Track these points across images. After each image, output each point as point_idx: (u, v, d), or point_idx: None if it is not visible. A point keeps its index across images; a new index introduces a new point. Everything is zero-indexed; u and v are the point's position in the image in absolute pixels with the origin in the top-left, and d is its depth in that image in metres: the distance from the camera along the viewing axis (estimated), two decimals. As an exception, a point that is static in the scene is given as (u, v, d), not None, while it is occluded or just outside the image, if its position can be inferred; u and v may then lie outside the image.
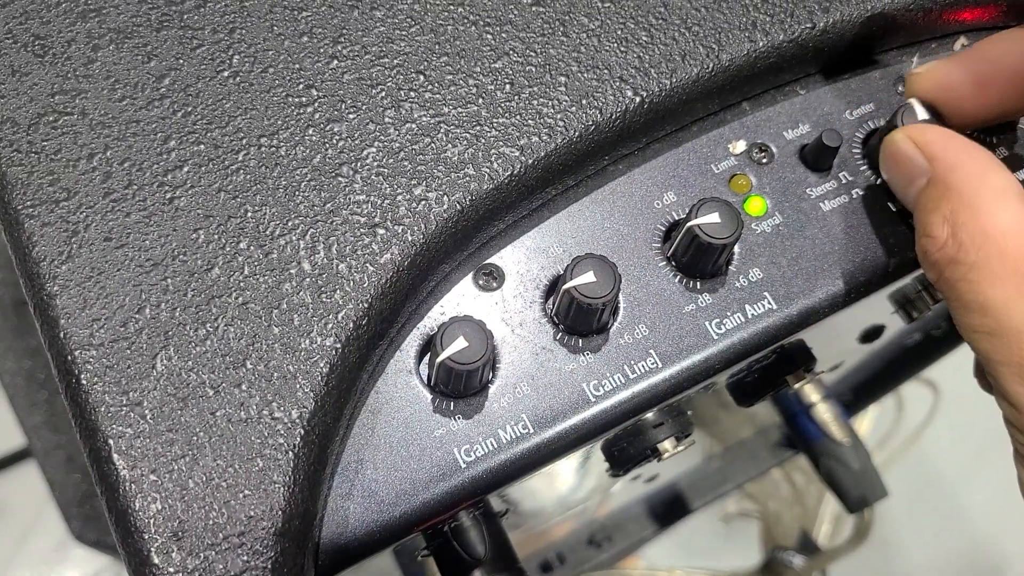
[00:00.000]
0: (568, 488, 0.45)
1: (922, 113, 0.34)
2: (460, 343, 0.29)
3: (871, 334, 0.47)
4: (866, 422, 1.12)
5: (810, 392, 0.66)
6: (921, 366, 0.70)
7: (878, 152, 0.35)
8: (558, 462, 0.34)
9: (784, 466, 1.13)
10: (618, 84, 0.33)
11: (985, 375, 0.30)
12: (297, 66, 0.32)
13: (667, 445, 0.36)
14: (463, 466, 0.30)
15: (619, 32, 0.34)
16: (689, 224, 0.31)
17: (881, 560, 1.12)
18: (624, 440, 0.36)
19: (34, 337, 0.82)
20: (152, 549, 0.26)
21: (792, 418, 0.68)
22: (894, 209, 0.35)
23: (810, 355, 0.38)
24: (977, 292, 0.28)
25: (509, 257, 0.33)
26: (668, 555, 1.05)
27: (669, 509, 0.87)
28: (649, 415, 0.35)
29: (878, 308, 0.43)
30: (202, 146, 0.31)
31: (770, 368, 0.37)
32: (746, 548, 1.09)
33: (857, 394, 0.75)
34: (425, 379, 0.31)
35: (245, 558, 0.26)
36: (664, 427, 0.36)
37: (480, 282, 0.33)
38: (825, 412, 0.67)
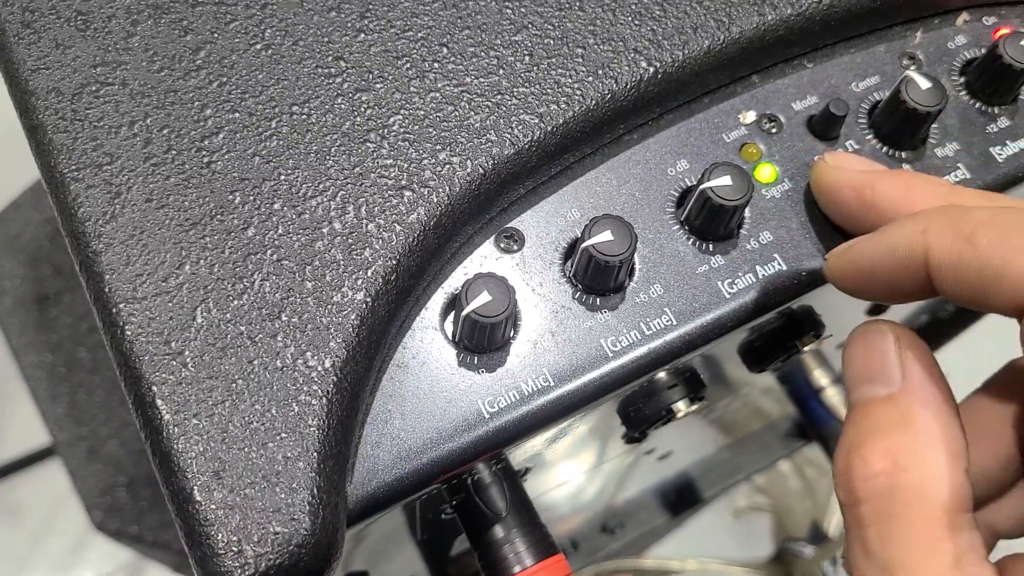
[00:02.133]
0: (586, 453, 0.46)
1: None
2: (484, 297, 0.30)
3: (879, 306, 0.48)
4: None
5: (820, 377, 0.67)
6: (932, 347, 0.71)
7: (885, 123, 0.36)
8: (577, 420, 0.35)
9: (795, 460, 1.14)
10: (633, 56, 0.35)
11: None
12: (326, 39, 0.34)
13: (681, 405, 0.37)
14: (487, 417, 0.31)
15: (633, 6, 0.36)
16: (702, 187, 0.33)
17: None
18: (640, 400, 0.37)
19: (55, 332, 0.84)
20: (195, 487, 0.27)
21: (803, 402, 0.69)
22: (899, 176, 0.36)
23: (818, 321, 0.39)
24: (886, 548, 0.25)
25: (529, 221, 0.34)
26: (681, 549, 1.06)
27: (681, 497, 0.88)
28: (663, 375, 0.36)
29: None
30: (237, 114, 0.33)
31: (780, 332, 0.39)
32: (758, 541, 1.10)
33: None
34: (450, 336, 0.32)
35: (283, 495, 0.27)
36: (678, 388, 0.37)
37: (502, 245, 0.34)
38: (835, 396, 0.68)
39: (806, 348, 0.39)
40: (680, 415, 0.37)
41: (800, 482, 1.11)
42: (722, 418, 0.82)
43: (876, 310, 0.49)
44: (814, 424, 0.69)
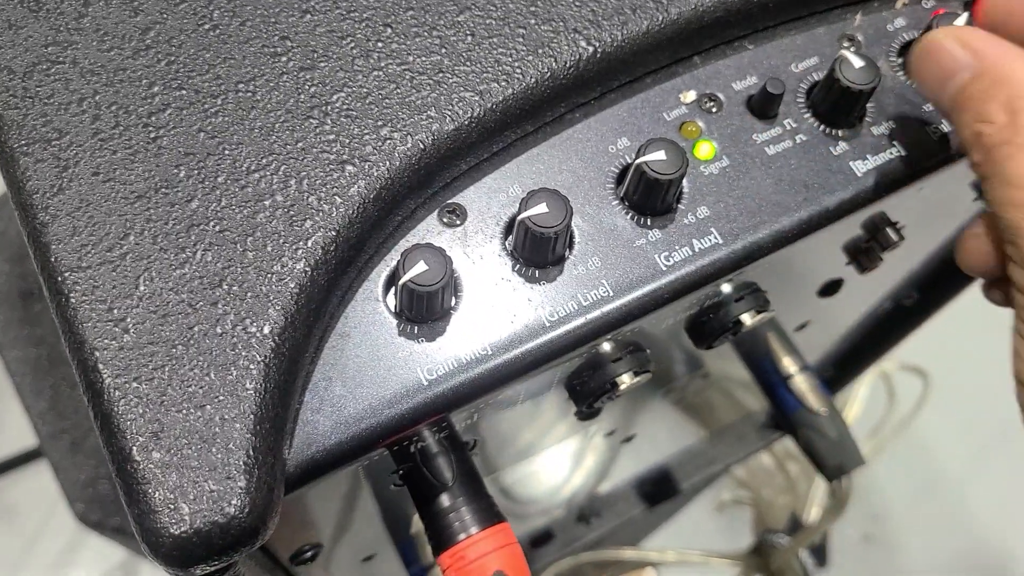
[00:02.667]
0: (541, 431, 0.47)
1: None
2: (421, 267, 0.31)
3: (829, 288, 0.49)
4: (856, 409, 1.13)
5: (789, 365, 0.68)
6: (896, 339, 0.72)
7: (821, 102, 0.37)
8: (519, 391, 0.36)
9: (777, 454, 1.15)
10: (572, 35, 0.36)
11: (991, 287, 0.36)
12: (273, 20, 0.35)
13: (625, 378, 0.38)
14: (425, 384, 0.32)
15: (574, -12, 0.37)
16: (637, 161, 0.34)
17: (884, 558, 1.13)
18: (584, 373, 0.38)
19: (40, 327, 0.84)
20: (134, 447, 0.28)
21: (771, 389, 0.69)
22: (835, 153, 0.37)
23: (762, 296, 0.40)
24: (1021, 166, 0.31)
25: (472, 196, 0.35)
26: (662, 542, 1.07)
27: (658, 488, 0.89)
28: (606, 348, 0.37)
29: (831, 259, 0.45)
30: (184, 91, 0.33)
31: (724, 308, 0.40)
32: (738, 534, 1.11)
33: (837, 369, 0.77)
34: (391, 307, 0.33)
35: (219, 455, 0.28)
36: (622, 361, 0.38)
37: (444, 219, 0.35)
38: (803, 383, 0.68)
39: (750, 323, 0.40)
40: (624, 387, 0.38)
41: (782, 476, 1.12)
42: (695, 407, 0.83)
43: (827, 292, 0.50)
44: (783, 412, 0.70)
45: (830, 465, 0.69)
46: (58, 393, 0.83)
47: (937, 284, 0.63)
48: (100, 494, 0.81)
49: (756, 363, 0.69)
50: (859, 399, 1.16)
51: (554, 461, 0.71)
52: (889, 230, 0.42)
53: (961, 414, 1.19)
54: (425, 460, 0.36)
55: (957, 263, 0.37)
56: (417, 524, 0.48)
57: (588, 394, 0.39)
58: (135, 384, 0.29)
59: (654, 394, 0.62)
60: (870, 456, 1.15)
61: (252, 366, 0.30)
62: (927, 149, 0.38)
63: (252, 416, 0.29)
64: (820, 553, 1.11)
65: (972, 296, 0.52)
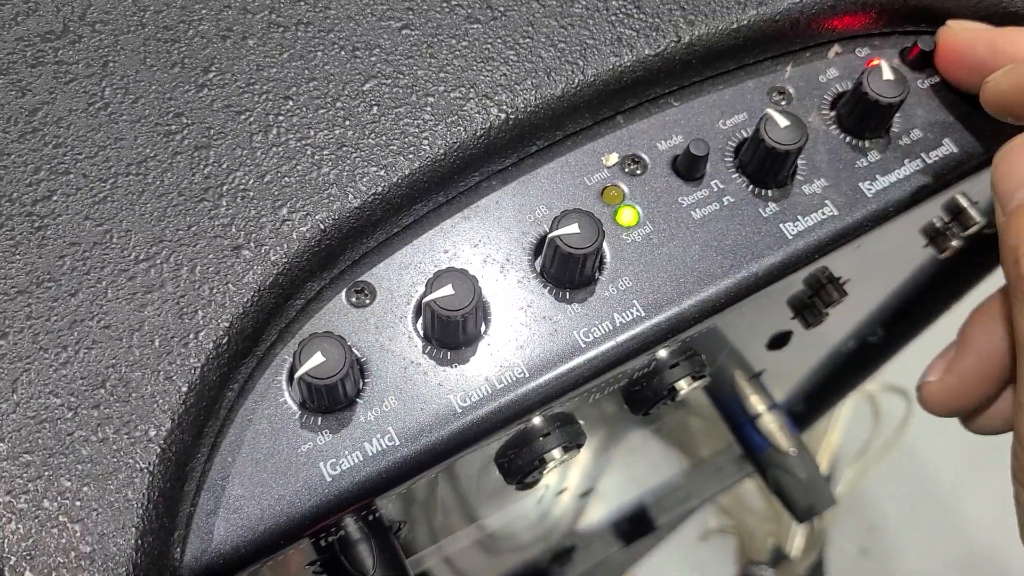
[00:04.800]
0: (465, 500, 0.45)
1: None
2: (318, 358, 0.30)
3: (778, 340, 0.47)
4: (839, 431, 1.12)
5: (756, 403, 0.66)
6: (864, 374, 0.70)
7: (749, 162, 0.36)
8: (431, 473, 0.34)
9: (759, 484, 1.13)
10: (483, 101, 0.34)
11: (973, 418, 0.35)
12: (168, 95, 0.33)
13: (555, 454, 0.36)
14: (328, 480, 0.31)
15: (486, 51, 0.35)
16: (551, 235, 0.32)
17: (881, 570, 1.11)
18: (511, 451, 0.36)
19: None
20: (5, 568, 0.26)
21: (738, 429, 0.68)
22: (764, 215, 0.36)
23: (699, 361, 0.38)
24: None
25: (381, 274, 0.34)
26: (649, 571, 1.05)
27: (634, 526, 0.87)
28: (536, 423, 0.36)
29: (776, 314, 0.43)
30: (71, 175, 0.32)
31: (657, 376, 0.38)
32: (722, 565, 1.09)
33: (806, 403, 0.75)
34: (296, 397, 0.32)
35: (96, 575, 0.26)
36: (552, 436, 0.36)
37: (352, 299, 0.33)
38: (771, 423, 0.67)
39: (684, 391, 0.38)
40: (553, 464, 0.36)
41: (765, 504, 1.10)
42: (672, 442, 0.81)
43: (776, 344, 0.48)
44: (750, 451, 0.68)
45: (801, 506, 0.68)
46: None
47: (901, 321, 0.61)
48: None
49: (722, 402, 0.67)
50: (842, 420, 1.14)
51: (523, 507, 0.69)
52: (831, 286, 0.40)
53: (949, 426, 1.17)
54: (344, 550, 0.35)
55: (923, 406, 0.37)
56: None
57: (517, 471, 0.37)
58: (8, 498, 0.27)
59: (607, 445, 0.60)
60: (859, 473, 1.13)
61: (135, 475, 0.28)
62: (861, 207, 0.36)
63: (134, 530, 0.27)
64: (817, 571, 1.09)
65: (951, 317, 0.50)
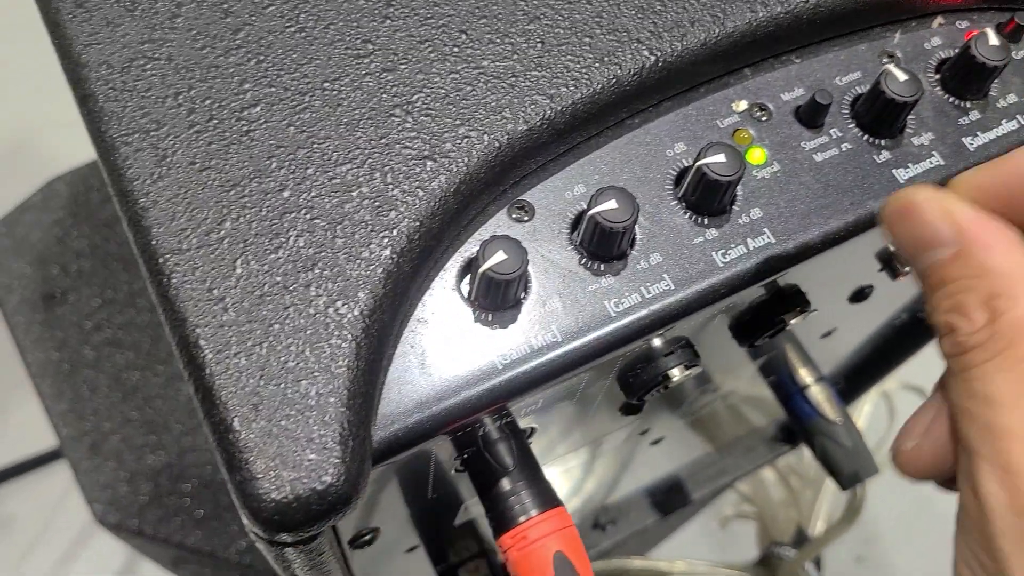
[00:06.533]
0: (587, 423, 0.49)
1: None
2: (500, 255, 0.33)
3: (860, 294, 0.51)
4: (861, 426, 1.15)
5: (805, 375, 0.70)
6: (909, 351, 0.74)
7: (866, 113, 0.40)
8: (581, 379, 0.38)
9: (780, 469, 1.17)
10: (636, 45, 0.38)
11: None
12: (355, 24, 0.37)
13: (676, 372, 0.40)
14: (499, 368, 0.34)
15: (636, 1, 0.39)
16: (698, 163, 0.36)
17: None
18: (638, 366, 0.40)
19: (61, 330, 0.86)
20: (235, 418, 0.30)
21: (788, 399, 0.72)
22: (879, 161, 0.39)
23: (804, 298, 0.42)
24: (990, 384, 0.27)
25: (539, 194, 0.37)
26: (670, 552, 1.08)
27: (669, 498, 0.90)
28: (659, 343, 0.39)
29: (864, 265, 0.47)
30: (273, 88, 0.35)
31: (768, 307, 0.42)
32: (744, 547, 1.12)
33: (850, 381, 0.79)
34: (466, 295, 0.35)
35: (316, 426, 0.30)
36: (673, 356, 0.40)
37: (514, 215, 0.37)
38: (819, 393, 0.71)
39: (792, 322, 0.42)
40: (675, 380, 0.40)
41: (784, 491, 1.13)
42: (710, 420, 0.85)
43: (857, 297, 0.52)
44: (799, 421, 0.72)
45: (845, 473, 0.71)
46: (78, 395, 0.84)
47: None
48: (119, 496, 0.82)
49: (773, 373, 0.71)
50: (864, 416, 1.18)
51: (574, 463, 0.73)
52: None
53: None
54: (487, 445, 0.38)
55: (899, 472, 0.35)
56: (462, 515, 0.50)
57: (641, 386, 0.40)
58: (235, 359, 0.31)
59: (678, 405, 0.64)
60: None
61: (344, 345, 0.31)
62: (964, 159, 0.40)
63: (346, 392, 0.31)
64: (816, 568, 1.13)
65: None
